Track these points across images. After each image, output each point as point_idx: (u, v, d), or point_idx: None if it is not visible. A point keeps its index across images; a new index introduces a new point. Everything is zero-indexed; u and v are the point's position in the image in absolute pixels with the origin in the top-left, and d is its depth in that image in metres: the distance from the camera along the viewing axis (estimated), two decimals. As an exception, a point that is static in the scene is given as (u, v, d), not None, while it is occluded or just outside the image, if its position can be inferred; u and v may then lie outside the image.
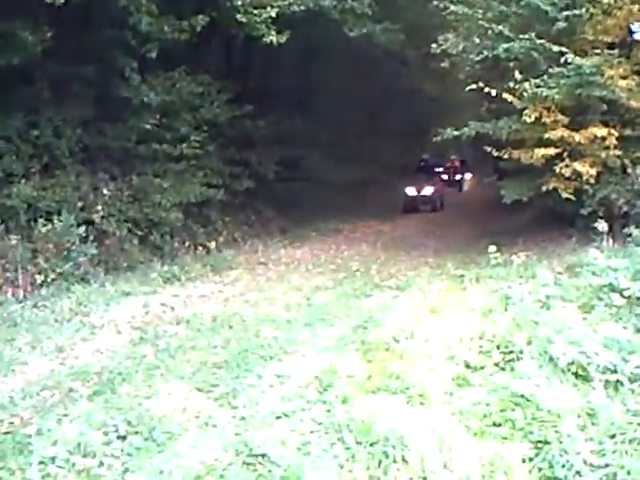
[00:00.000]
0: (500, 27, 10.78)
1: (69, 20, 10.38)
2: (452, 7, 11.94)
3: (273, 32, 12.22)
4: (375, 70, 24.30)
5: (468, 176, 38.12)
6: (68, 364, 6.29)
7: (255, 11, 11.90)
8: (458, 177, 36.50)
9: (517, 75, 10.58)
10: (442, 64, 13.11)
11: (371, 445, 4.15)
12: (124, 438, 4.52)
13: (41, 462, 4.07)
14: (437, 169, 31.49)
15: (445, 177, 33.44)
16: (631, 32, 10.63)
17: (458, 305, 7.26)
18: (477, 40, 11.56)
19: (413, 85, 27.52)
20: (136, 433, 4.57)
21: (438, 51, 12.18)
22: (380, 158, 28.20)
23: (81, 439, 4.39)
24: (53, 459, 4.11)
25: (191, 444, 4.43)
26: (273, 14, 12.01)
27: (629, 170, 10.70)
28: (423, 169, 29.59)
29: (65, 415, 4.84)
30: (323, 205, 19.92)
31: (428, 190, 25.99)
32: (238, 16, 11.77)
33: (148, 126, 12.17)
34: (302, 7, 13.02)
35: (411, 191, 25.74)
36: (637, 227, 9.73)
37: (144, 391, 5.37)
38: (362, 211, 21.61)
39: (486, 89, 10.94)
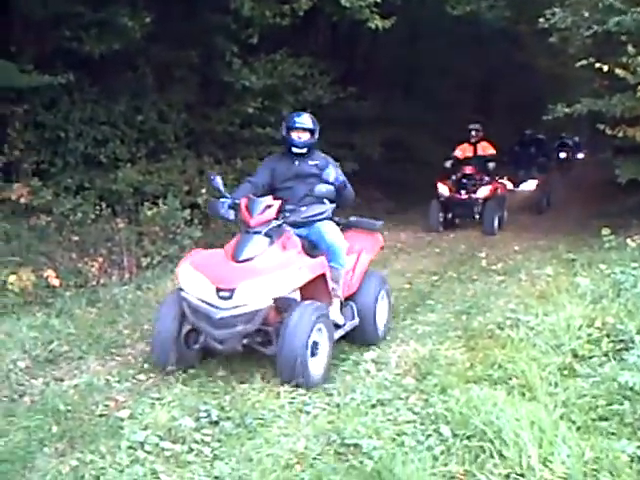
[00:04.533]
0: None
1: (170, 6, 10.42)
2: (558, -20, 11.39)
3: (377, 17, 11.91)
4: (483, 48, 23.67)
5: (531, 185, 17.23)
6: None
7: (359, -5, 11.58)
8: (483, 193, 14.25)
9: (630, 49, 9.98)
10: (550, 39, 12.53)
11: (468, 438, 3.98)
12: (216, 424, 4.49)
13: (130, 447, 4.07)
14: None
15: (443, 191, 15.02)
16: None
17: (568, 291, 6.99)
18: (586, 14, 10.98)
19: (524, 62, 26.63)
20: (228, 419, 4.54)
21: (546, 26, 11.64)
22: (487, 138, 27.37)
23: (172, 424, 4.38)
24: (142, 444, 4.10)
25: (283, 431, 4.37)
26: None
27: None
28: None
29: (159, 399, 4.84)
30: (429, 186, 19.56)
31: None
32: (342, 1, 11.51)
33: (251, 110, 12.12)
34: (406, -12, 12.62)
35: None
36: None
37: (239, 375, 5.34)
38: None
39: (597, 64, 10.41)
